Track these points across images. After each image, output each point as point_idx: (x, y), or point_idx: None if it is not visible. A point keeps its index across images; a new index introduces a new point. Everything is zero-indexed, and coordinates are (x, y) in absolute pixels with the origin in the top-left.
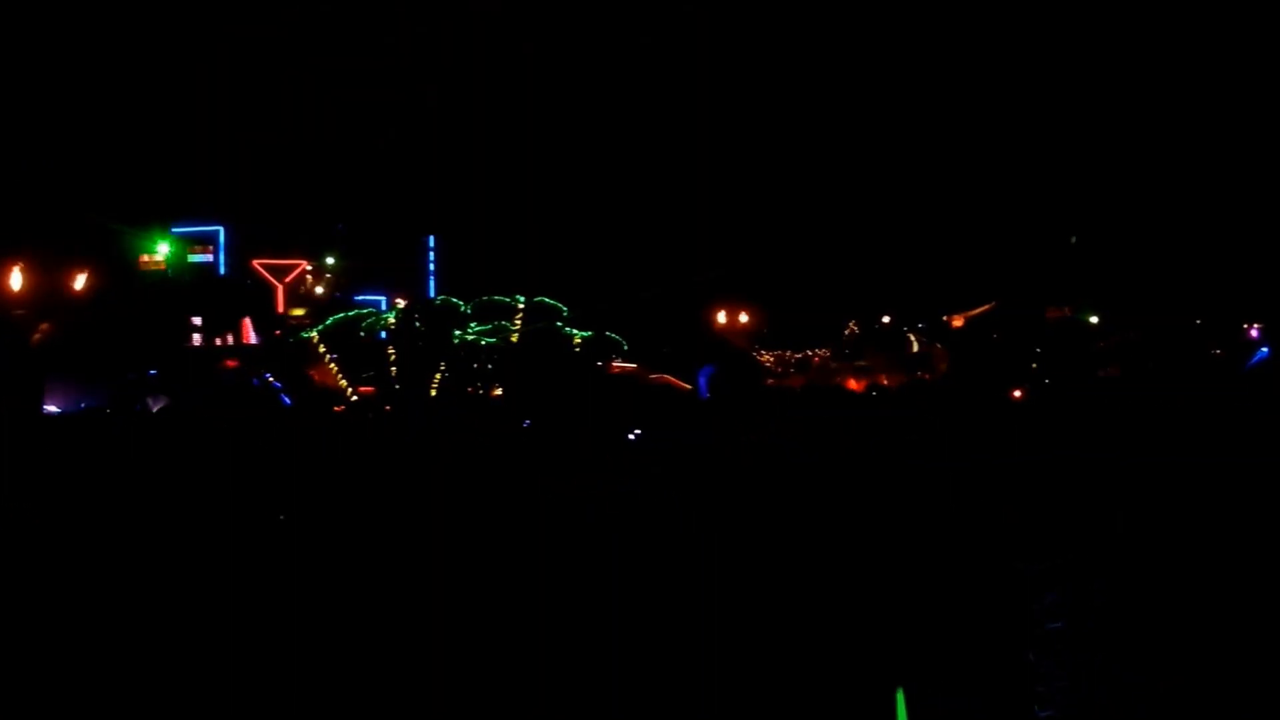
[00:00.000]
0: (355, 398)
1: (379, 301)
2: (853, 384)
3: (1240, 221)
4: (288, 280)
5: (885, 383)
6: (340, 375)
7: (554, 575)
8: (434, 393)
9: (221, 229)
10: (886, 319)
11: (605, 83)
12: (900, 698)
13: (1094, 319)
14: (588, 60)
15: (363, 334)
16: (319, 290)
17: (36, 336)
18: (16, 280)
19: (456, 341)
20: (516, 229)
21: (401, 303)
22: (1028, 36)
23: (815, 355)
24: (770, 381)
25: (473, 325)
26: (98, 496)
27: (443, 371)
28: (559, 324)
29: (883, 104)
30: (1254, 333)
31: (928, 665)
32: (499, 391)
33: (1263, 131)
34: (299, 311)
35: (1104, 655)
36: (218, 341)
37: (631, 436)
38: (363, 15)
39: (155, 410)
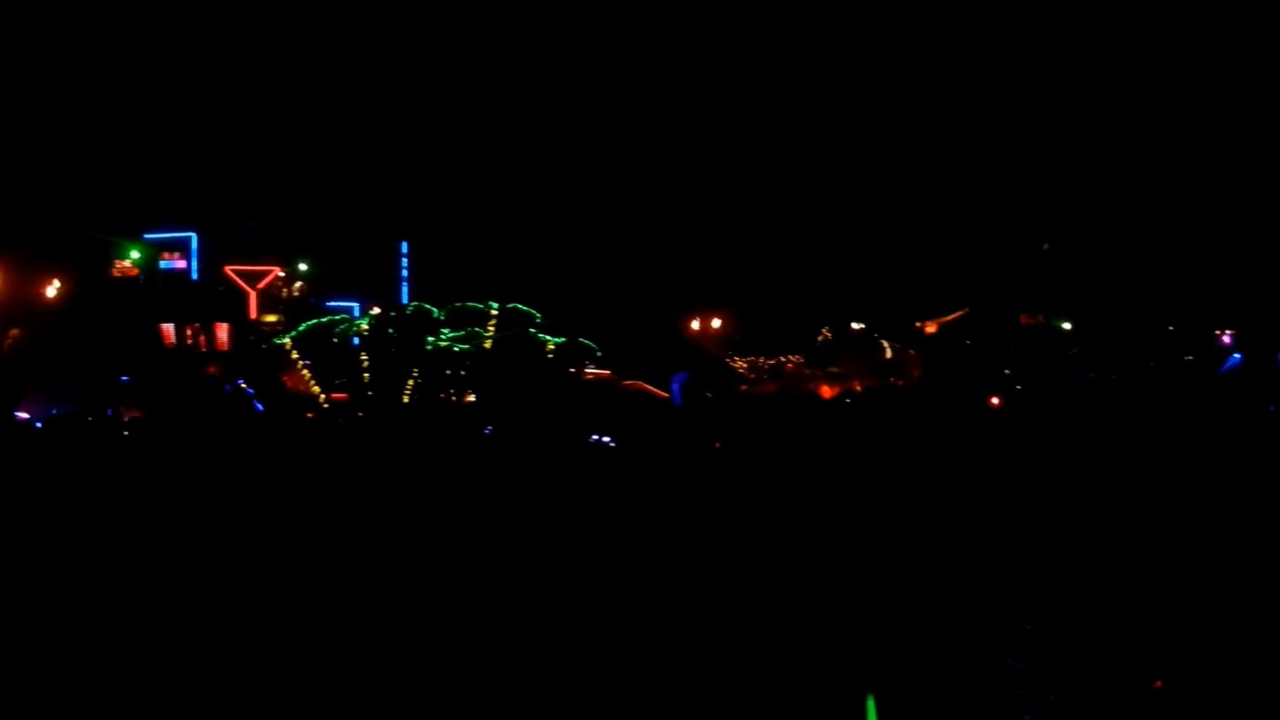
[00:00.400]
0: (327, 404)
1: (352, 307)
2: (825, 390)
3: (1213, 228)
4: (260, 286)
5: (858, 389)
6: (313, 381)
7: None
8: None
9: (194, 235)
10: (859, 325)
11: (580, 89)
12: (871, 705)
13: (1067, 325)
14: (562, 66)
15: (336, 340)
16: (292, 295)
17: (7, 343)
18: None
19: (429, 348)
20: (490, 235)
21: (375, 309)
22: (1002, 44)
23: (788, 361)
24: (743, 388)
25: (446, 331)
26: (85, 502)
27: (415, 377)
28: (532, 330)
29: (858, 111)
30: (1226, 339)
31: (903, 672)
32: (471, 397)
33: (1233, 139)
34: (272, 318)
35: (1084, 658)
36: (190, 346)
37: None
38: (336, 21)
39: (127, 416)
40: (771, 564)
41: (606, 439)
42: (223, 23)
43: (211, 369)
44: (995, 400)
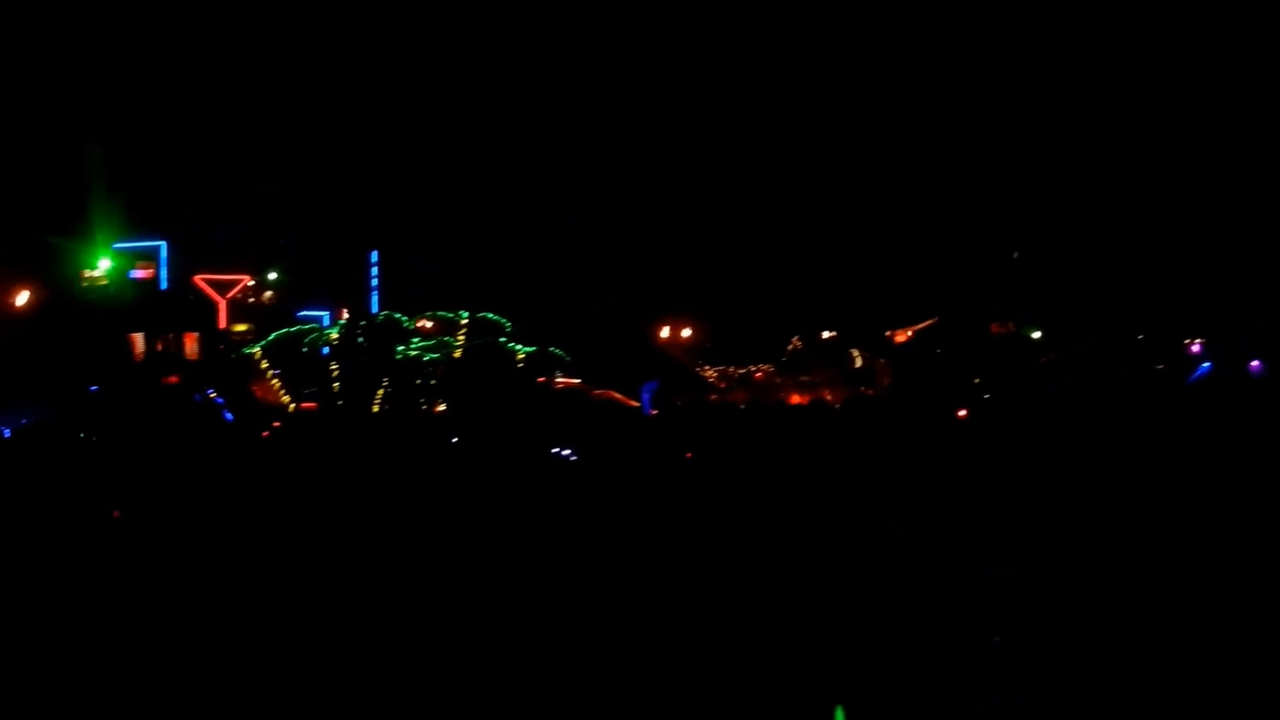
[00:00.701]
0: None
1: (322, 317)
2: (796, 399)
3: (1183, 237)
4: (230, 295)
5: (829, 398)
6: (283, 391)
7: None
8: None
9: (163, 244)
10: (830, 334)
11: (548, 96)
12: (840, 716)
13: (1037, 334)
14: (530, 72)
15: (305, 349)
16: (261, 304)
17: None
18: None
19: (399, 357)
20: (460, 244)
21: (345, 317)
22: (972, 51)
23: (758, 371)
24: (713, 397)
25: (415, 340)
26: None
27: (385, 387)
28: (502, 340)
29: (826, 119)
30: (1195, 348)
31: (872, 682)
32: (442, 407)
33: (1202, 149)
34: (241, 327)
35: (1054, 666)
36: (159, 355)
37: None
38: (305, 29)
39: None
40: (745, 573)
41: (567, 451)
42: (191, 32)
43: (180, 378)
44: (962, 412)
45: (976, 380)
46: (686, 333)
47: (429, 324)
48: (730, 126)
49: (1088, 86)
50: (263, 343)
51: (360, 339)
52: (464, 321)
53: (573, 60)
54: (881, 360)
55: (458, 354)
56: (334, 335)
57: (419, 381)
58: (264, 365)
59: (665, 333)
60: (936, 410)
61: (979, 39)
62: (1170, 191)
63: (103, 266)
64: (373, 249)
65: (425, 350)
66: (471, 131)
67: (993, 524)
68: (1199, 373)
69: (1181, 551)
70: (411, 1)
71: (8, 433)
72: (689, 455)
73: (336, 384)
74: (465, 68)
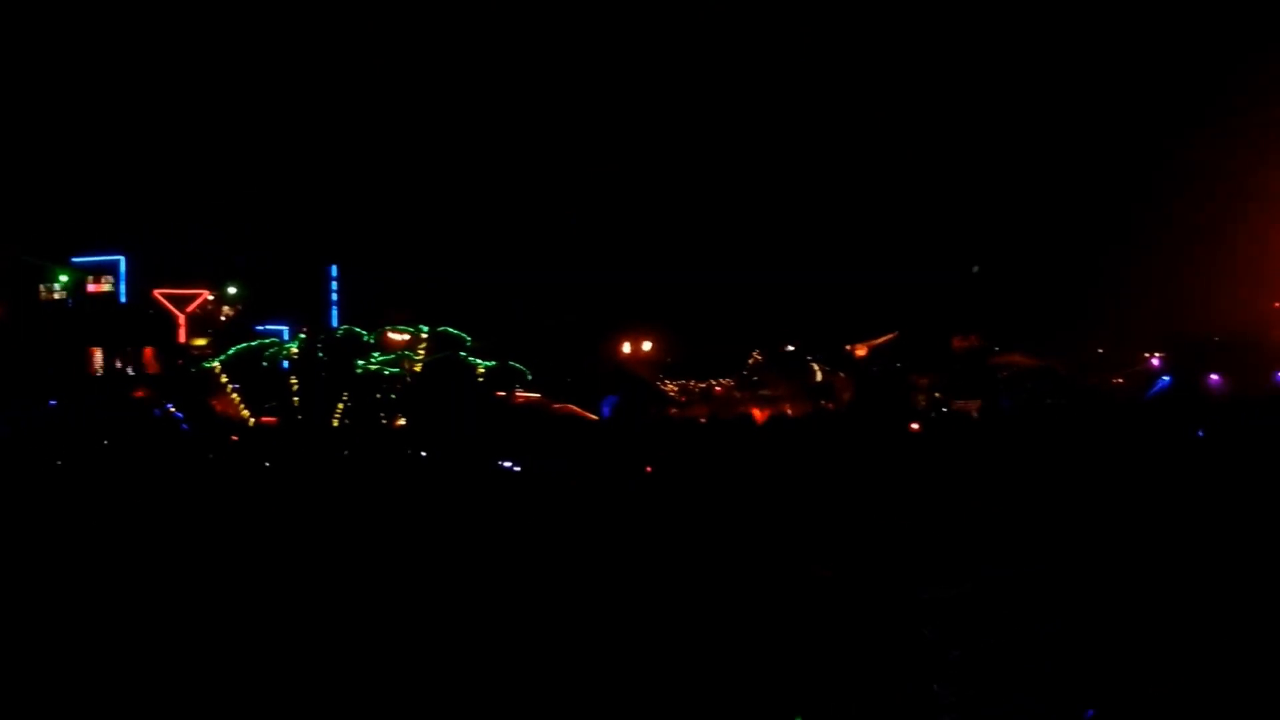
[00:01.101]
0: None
1: (281, 331)
2: (756, 413)
3: (1142, 253)
4: (189, 310)
5: (789, 412)
6: (242, 405)
7: None
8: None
9: (122, 259)
10: (790, 348)
11: (508, 107)
12: None
13: (998, 349)
14: (490, 84)
15: (265, 363)
16: (221, 318)
17: None
18: None
19: (359, 371)
20: (421, 257)
21: (305, 331)
22: (936, 58)
23: (718, 385)
24: (674, 411)
25: (375, 355)
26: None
27: (345, 401)
28: (463, 354)
29: (787, 129)
30: (1155, 362)
31: (824, 697)
32: (402, 421)
33: (1165, 165)
34: (201, 341)
35: (1007, 683)
36: (119, 369)
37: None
38: (262, 40)
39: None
40: (704, 587)
41: (509, 463)
42: (151, 49)
43: (140, 393)
44: (915, 426)
45: (936, 394)
46: (647, 347)
47: (402, 336)
48: (689, 141)
49: (1048, 100)
50: (222, 357)
51: (320, 353)
52: (424, 336)
53: (528, 84)
54: (842, 374)
55: (418, 368)
56: (294, 349)
57: (379, 396)
58: (223, 380)
59: (626, 347)
60: (894, 425)
61: (936, 60)
62: (1132, 208)
63: (61, 282)
64: (332, 263)
65: (385, 364)
66: (432, 147)
67: (948, 540)
68: (1158, 387)
69: (1150, 560)
70: (370, 20)
71: None
72: (649, 470)
73: (296, 398)
74: (423, 86)
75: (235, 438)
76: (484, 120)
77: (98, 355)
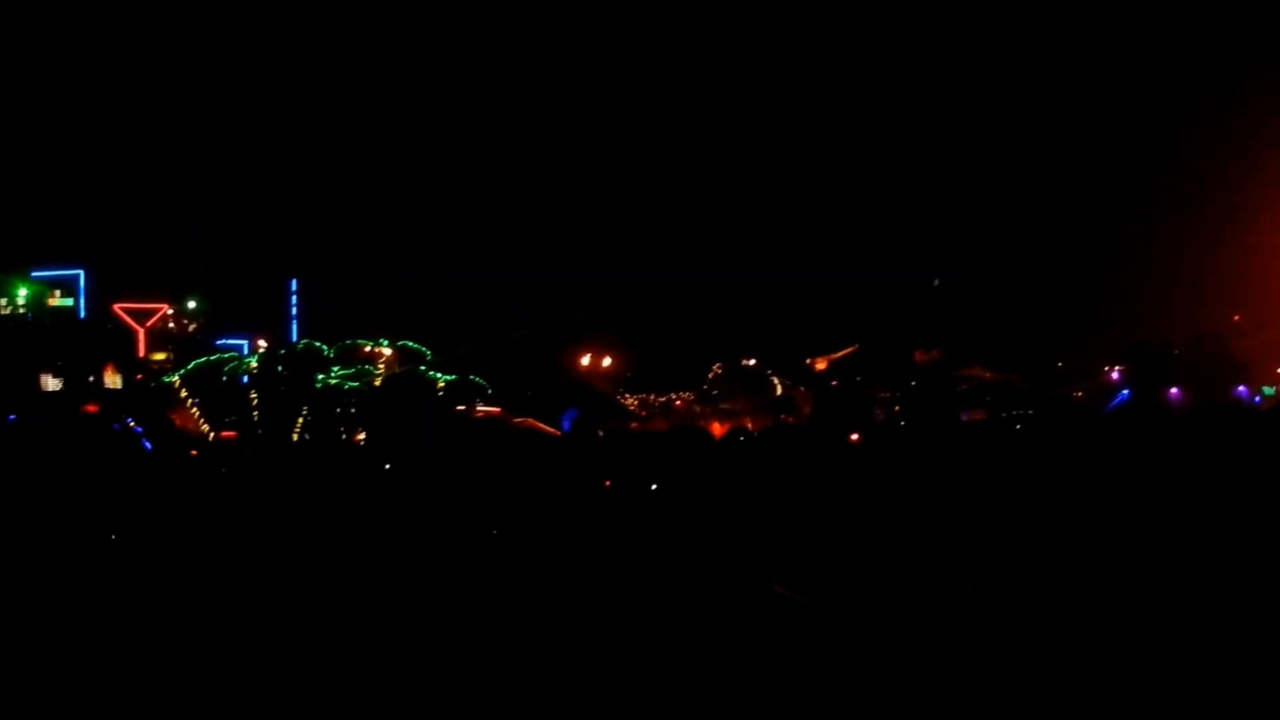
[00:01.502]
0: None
1: (241, 345)
2: (716, 427)
3: (1101, 265)
4: (149, 324)
5: (750, 426)
6: (202, 420)
7: None
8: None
9: (81, 273)
10: (751, 361)
11: (468, 122)
12: None
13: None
14: (451, 98)
15: (225, 378)
16: (182, 333)
17: None
18: None
19: (319, 385)
20: (381, 272)
21: (264, 346)
22: (901, 70)
23: (679, 399)
24: (634, 425)
25: (335, 369)
26: None
27: (305, 415)
28: (423, 368)
29: (748, 141)
30: (1114, 375)
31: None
32: (362, 436)
33: (1127, 179)
34: (160, 355)
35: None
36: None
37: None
38: (220, 56)
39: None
40: (663, 604)
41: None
42: (110, 65)
43: (91, 407)
44: (854, 436)
45: (895, 408)
46: (607, 361)
47: (386, 351)
48: (651, 154)
49: (1010, 117)
50: (182, 371)
51: (280, 368)
52: (384, 350)
53: (508, 87)
54: (802, 388)
55: (378, 382)
56: (253, 364)
57: (339, 410)
58: (183, 394)
59: (586, 360)
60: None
61: (891, 71)
62: (1093, 222)
63: (21, 296)
64: (292, 277)
65: (345, 379)
66: (389, 162)
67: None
68: (1117, 400)
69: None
70: (327, 32)
71: None
72: (607, 484)
73: (256, 413)
74: (375, 106)
75: (194, 452)
76: (440, 138)
77: (54, 371)
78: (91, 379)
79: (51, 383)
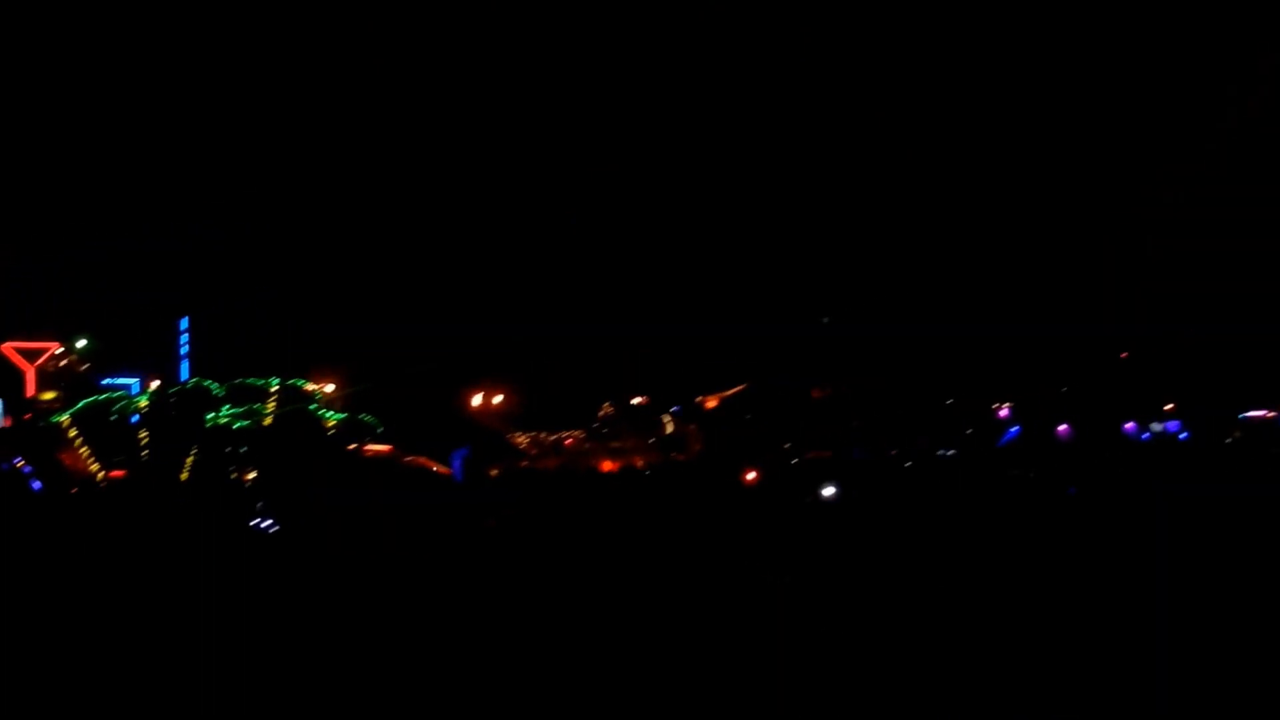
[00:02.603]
0: (105, 482)
1: (132, 384)
2: (606, 465)
3: (991, 299)
4: (39, 364)
5: (639, 464)
6: (91, 459)
7: None
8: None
9: None
10: (640, 399)
11: (365, 154)
12: None
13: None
14: (342, 126)
15: (114, 417)
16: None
17: None
18: None
19: (209, 425)
20: (275, 309)
21: (155, 384)
22: (765, 120)
23: (569, 437)
24: (524, 464)
25: (226, 408)
26: None
27: (195, 454)
28: (312, 406)
29: (636, 182)
30: (1004, 412)
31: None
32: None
33: (1020, 206)
34: (50, 395)
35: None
36: None
37: None
38: (117, 87)
39: None
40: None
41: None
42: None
43: None
44: (751, 474)
45: (786, 445)
46: (498, 399)
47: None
48: (548, 192)
49: (897, 150)
50: (71, 410)
51: (170, 407)
52: (274, 389)
53: (405, 118)
54: (693, 426)
55: (267, 421)
56: (143, 403)
57: (229, 449)
58: (72, 434)
59: (477, 399)
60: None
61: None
62: (980, 253)
63: None
64: (183, 315)
65: (235, 418)
66: (284, 196)
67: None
68: (1008, 436)
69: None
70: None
71: None
72: (491, 523)
73: (146, 452)
74: (286, 138)
75: (75, 490)
76: (339, 160)
77: None
78: None
79: None
